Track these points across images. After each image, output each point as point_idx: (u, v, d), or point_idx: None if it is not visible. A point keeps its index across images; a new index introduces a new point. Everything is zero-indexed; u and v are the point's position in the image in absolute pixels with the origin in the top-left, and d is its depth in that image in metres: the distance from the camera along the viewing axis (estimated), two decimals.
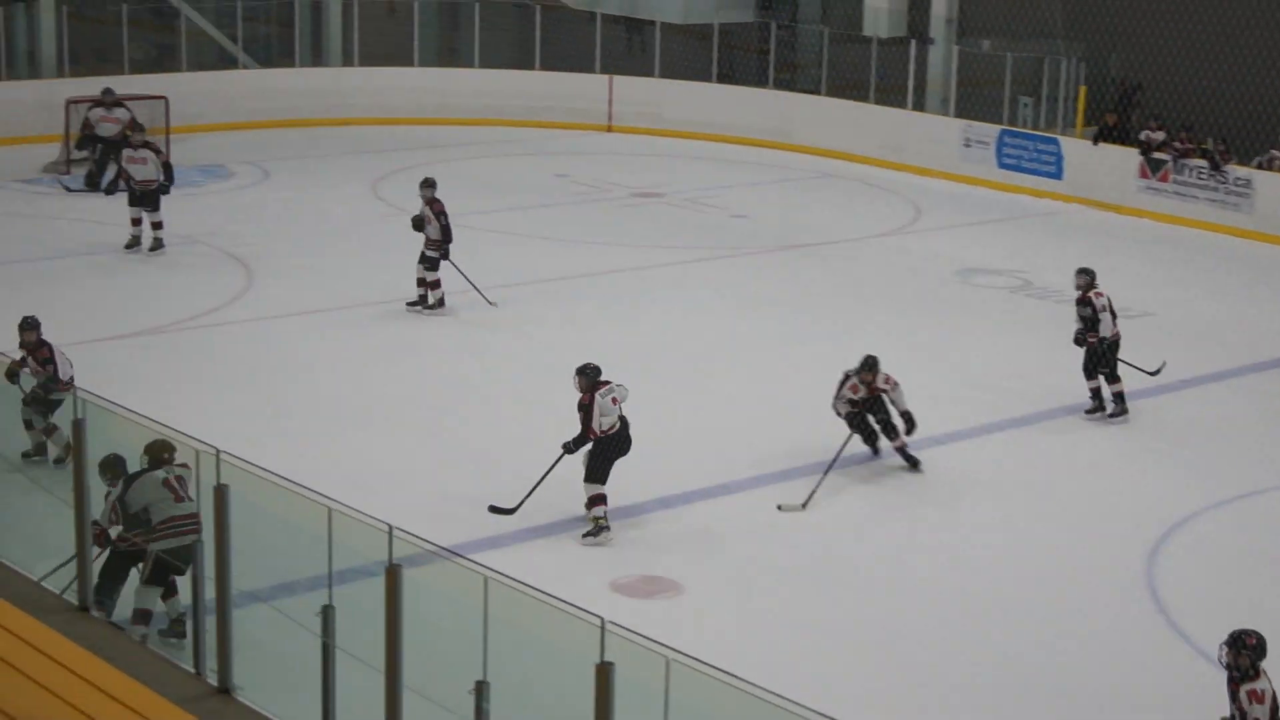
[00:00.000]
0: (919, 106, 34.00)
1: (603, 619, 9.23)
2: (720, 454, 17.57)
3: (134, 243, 24.29)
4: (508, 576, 10.09)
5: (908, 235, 27.88)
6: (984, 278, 25.09)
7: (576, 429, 15.52)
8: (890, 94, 34.13)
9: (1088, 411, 19.08)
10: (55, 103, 30.31)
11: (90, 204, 26.84)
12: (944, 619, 14.18)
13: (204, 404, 18.13)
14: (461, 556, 11.77)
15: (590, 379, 15.63)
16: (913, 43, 34.26)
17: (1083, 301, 19.10)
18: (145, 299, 22.13)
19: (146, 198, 24.16)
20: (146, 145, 24.50)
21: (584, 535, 15.40)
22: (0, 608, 11.48)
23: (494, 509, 15.72)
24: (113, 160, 26.16)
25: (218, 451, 11.09)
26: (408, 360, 19.98)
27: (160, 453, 12.48)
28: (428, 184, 22.11)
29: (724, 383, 19.87)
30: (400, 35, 36.24)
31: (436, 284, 21.87)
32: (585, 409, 15.50)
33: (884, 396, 17.11)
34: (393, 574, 10.36)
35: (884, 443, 17.41)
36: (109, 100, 28.24)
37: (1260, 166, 28.89)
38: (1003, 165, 31.90)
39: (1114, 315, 19.16)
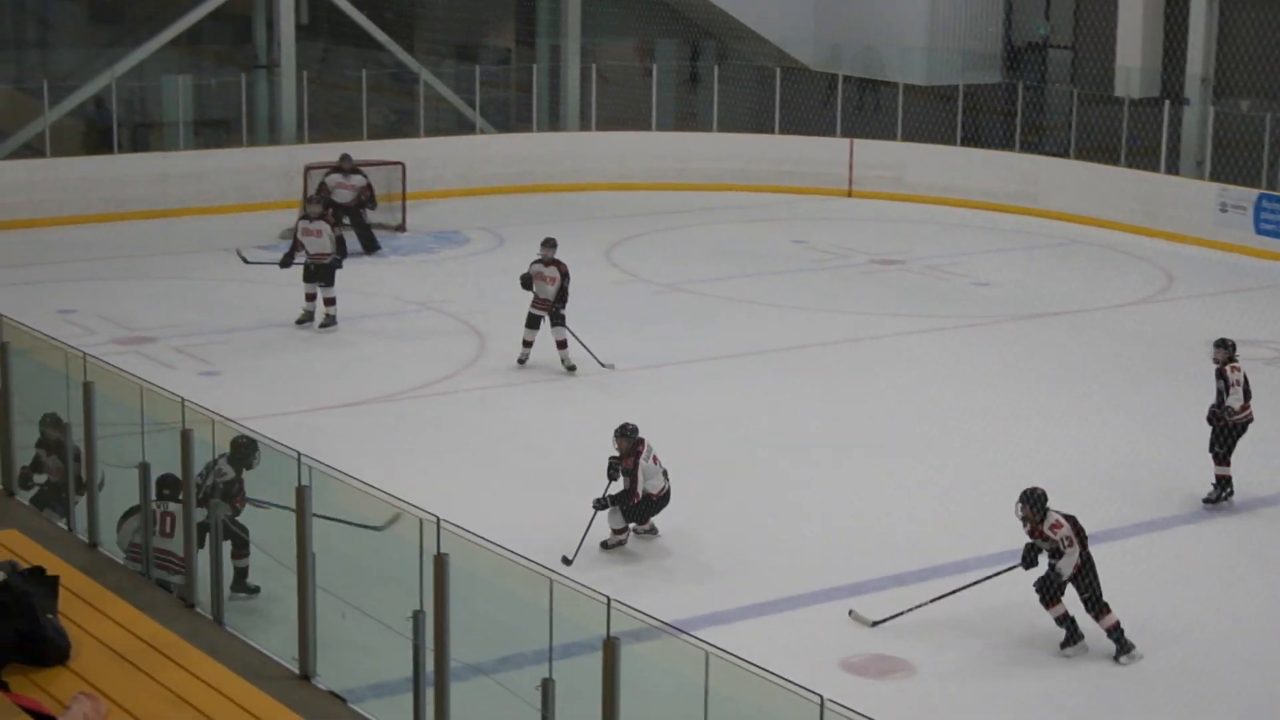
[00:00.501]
0: (1172, 170, 33.40)
1: (822, 698, 9.14)
2: (960, 531, 17.34)
3: (306, 318, 24.30)
4: (729, 653, 10.05)
5: (1158, 304, 27.36)
6: (1239, 349, 24.44)
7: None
8: (1142, 156, 33.58)
9: (1207, 500, 18.35)
10: (295, 169, 31.14)
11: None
12: (1199, 703, 13.84)
13: (429, 471, 18.38)
14: (683, 632, 11.77)
15: (631, 440, 15.74)
16: (1166, 103, 33.70)
17: (1220, 375, 18.51)
18: (377, 367, 22.54)
19: (320, 272, 24.10)
20: (322, 218, 24.47)
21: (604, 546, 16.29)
22: (223, 675, 11.70)
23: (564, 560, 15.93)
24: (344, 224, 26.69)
25: (438, 519, 11.21)
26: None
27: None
28: (549, 244, 22.49)
29: (961, 457, 19.63)
30: (639, 99, 36.59)
31: (530, 344, 22.48)
32: (630, 473, 15.92)
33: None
34: (610, 647, 10.37)
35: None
36: (346, 166, 28.84)
37: None
38: (1261, 230, 31.18)
39: (1248, 394, 18.43)
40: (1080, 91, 35.13)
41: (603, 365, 22.33)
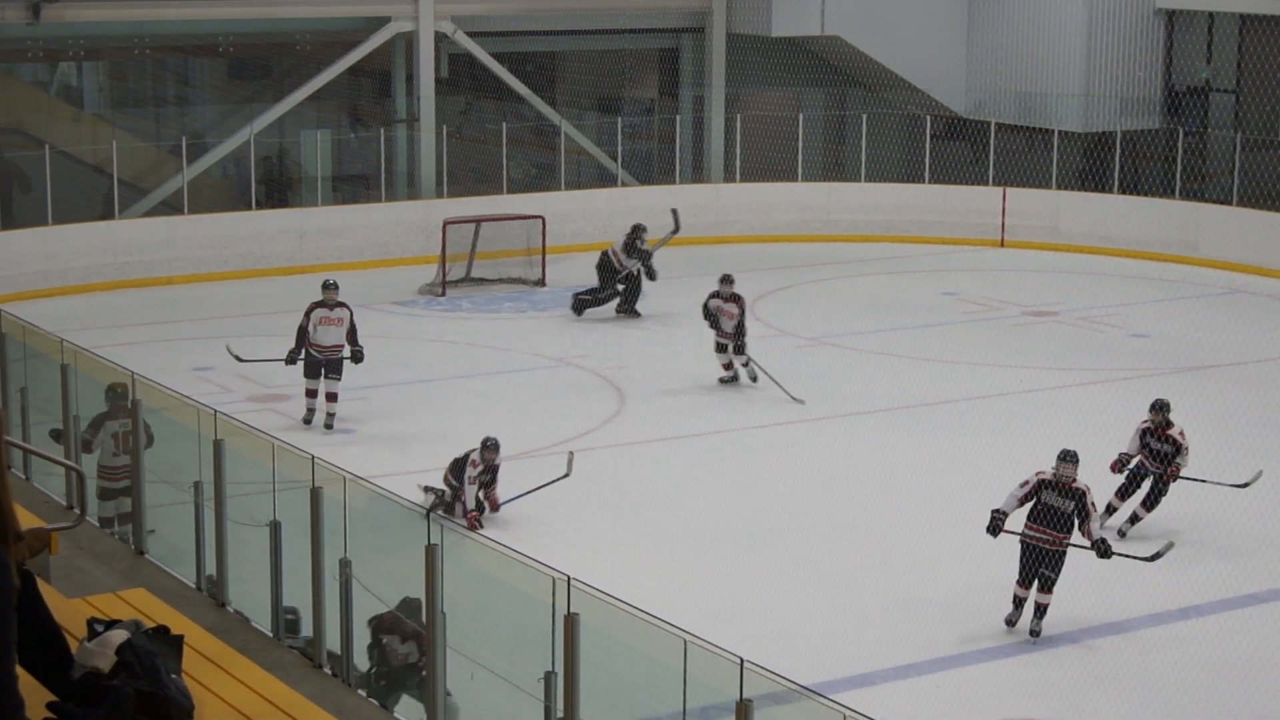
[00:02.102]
0: None
1: None
2: (1113, 588, 17.09)
3: (310, 417, 22.54)
4: (869, 717, 9.95)
5: None
6: None
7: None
8: None
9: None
10: (434, 224, 31.42)
11: (470, 325, 27.60)
12: None
13: (563, 529, 18.40)
14: (821, 695, 11.68)
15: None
16: None
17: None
18: (516, 422, 22.62)
19: (332, 366, 22.35)
20: (342, 304, 22.61)
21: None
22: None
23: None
24: None
25: (569, 579, 11.21)
26: (776, 486, 19.96)
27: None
28: (727, 280, 23.80)
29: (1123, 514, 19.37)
30: (785, 150, 36.57)
31: (729, 365, 23.61)
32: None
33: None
34: (743, 710, 10.29)
35: None
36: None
37: None
38: None
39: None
40: (1244, 136, 34.68)
41: (794, 399, 22.77)
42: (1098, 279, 32.42)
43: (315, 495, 12.73)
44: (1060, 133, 35.76)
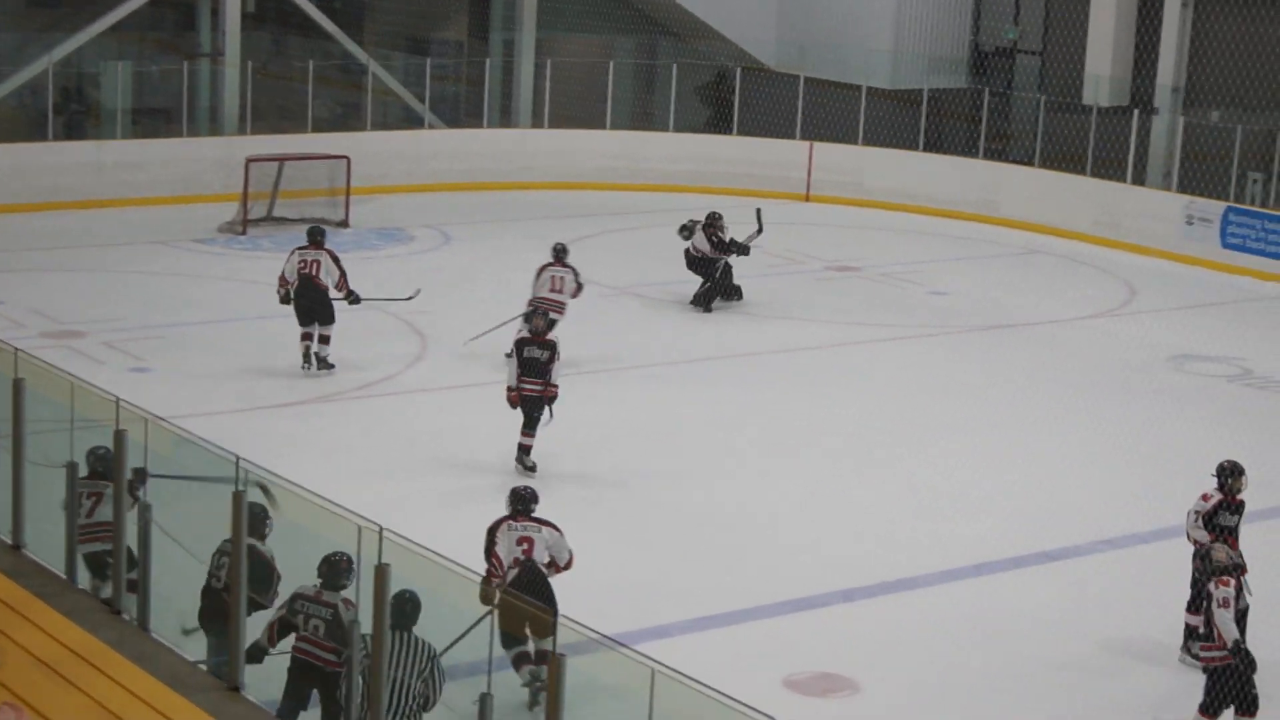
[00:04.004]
0: (1139, 180, 33.69)
1: None
2: (907, 545, 17.54)
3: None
4: (676, 670, 10.16)
5: (1119, 317, 27.64)
6: (1200, 365, 24.80)
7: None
8: (1108, 166, 33.87)
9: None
10: (236, 161, 31.13)
11: (270, 265, 27.42)
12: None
13: (367, 475, 18.46)
14: (626, 646, 11.88)
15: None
16: (1135, 113, 34.00)
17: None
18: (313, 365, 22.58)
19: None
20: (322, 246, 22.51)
21: None
22: (149, 685, 11.75)
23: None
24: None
25: (380, 529, 11.30)
26: (574, 437, 20.12)
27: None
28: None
29: (912, 471, 19.82)
30: (593, 98, 36.69)
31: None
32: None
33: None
34: (556, 662, 10.47)
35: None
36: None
37: None
38: (1227, 245, 31.49)
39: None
40: (1047, 99, 35.41)
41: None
42: (900, 235, 33.01)
43: (119, 437, 12.69)
44: (868, 89, 36.24)
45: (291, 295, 22.23)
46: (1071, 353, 25.24)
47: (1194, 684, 13.98)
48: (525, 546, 13.93)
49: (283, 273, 22.44)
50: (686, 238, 26.79)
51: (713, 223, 26.79)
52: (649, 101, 39.02)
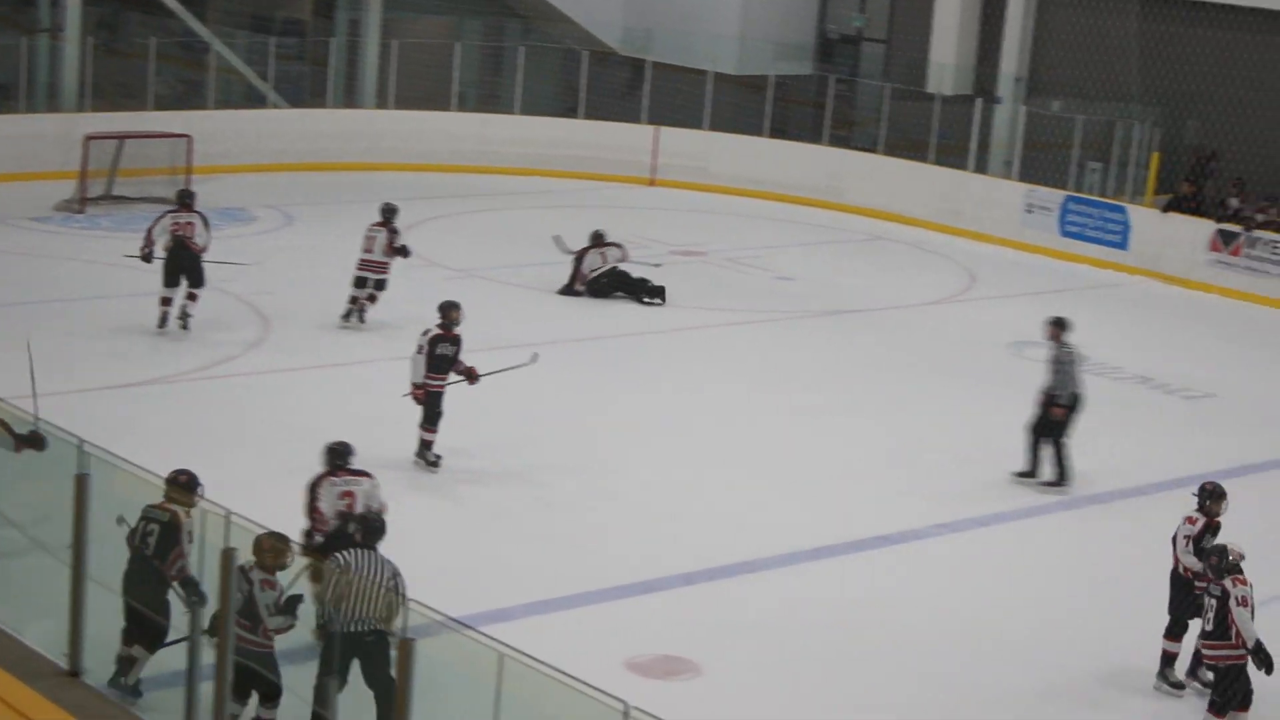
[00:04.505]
0: (981, 168, 34.16)
1: (626, 704, 9.36)
2: (748, 529, 17.70)
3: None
4: (523, 653, 10.21)
5: (960, 304, 28.04)
6: (1038, 351, 25.07)
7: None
8: (952, 154, 34.30)
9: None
10: (74, 138, 30.73)
11: (109, 245, 27.11)
12: (973, 702, 14.26)
13: (212, 459, 18.32)
14: (473, 629, 11.93)
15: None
16: (978, 101, 34.45)
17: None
18: (155, 347, 22.39)
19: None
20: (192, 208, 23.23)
21: None
22: None
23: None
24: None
25: (228, 513, 11.27)
26: (417, 417, 20.09)
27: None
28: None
29: (755, 455, 20.00)
30: (440, 79, 36.59)
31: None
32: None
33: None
34: (405, 648, 10.48)
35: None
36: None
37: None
38: (1065, 233, 32.03)
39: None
40: (892, 87, 35.78)
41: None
42: (745, 221, 33.24)
43: None
44: (714, 74, 36.42)
45: (155, 256, 22.36)
46: (913, 338, 25.57)
47: (1030, 660, 14.26)
48: (348, 501, 14.18)
49: (150, 232, 22.46)
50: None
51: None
52: (495, 84, 38.96)
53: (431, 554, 16.41)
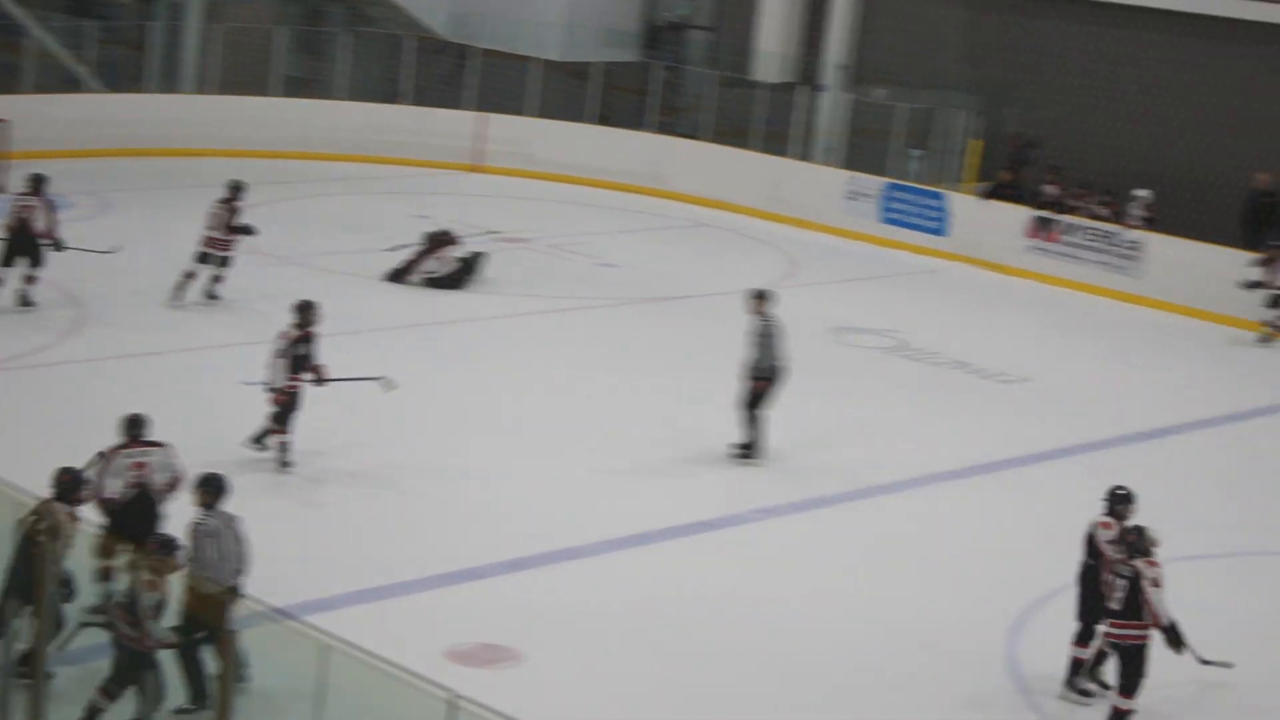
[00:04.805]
0: (804, 156, 34.46)
1: (453, 693, 9.36)
2: (570, 516, 17.74)
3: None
4: (349, 644, 10.19)
5: (782, 291, 28.13)
6: (858, 337, 25.51)
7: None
8: (776, 142, 34.56)
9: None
10: None
11: None
12: (794, 687, 14.40)
13: (22, 449, 18.08)
14: (296, 619, 11.89)
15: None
16: (803, 89, 34.72)
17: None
18: None
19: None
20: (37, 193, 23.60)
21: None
22: None
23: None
24: None
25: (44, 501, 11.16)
26: (246, 403, 19.95)
27: None
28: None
29: (577, 442, 20.04)
30: (261, 64, 36.25)
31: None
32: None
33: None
34: (228, 640, 10.43)
35: None
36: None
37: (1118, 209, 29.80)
38: (886, 220, 32.40)
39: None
40: (718, 74, 35.98)
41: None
42: (570, 207, 33.29)
43: None
44: (540, 61, 36.42)
45: None
46: (736, 325, 25.63)
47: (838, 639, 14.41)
48: (140, 472, 14.21)
49: None
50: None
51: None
52: (318, 69, 38.65)
53: (252, 543, 16.31)
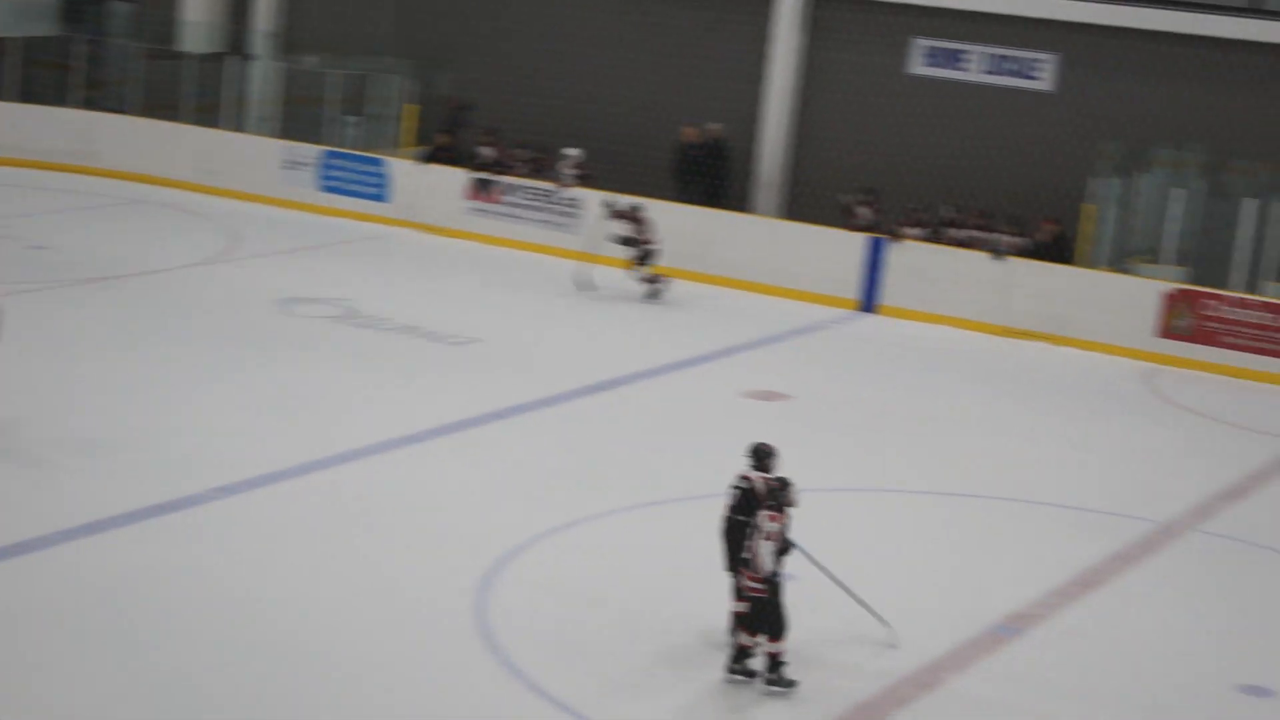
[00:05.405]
0: (238, 127, 33.86)
1: None
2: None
3: None
4: None
5: (223, 264, 27.71)
6: (306, 306, 25.19)
7: None
8: (208, 114, 33.89)
9: None
10: None
11: None
12: (251, 669, 14.05)
13: None
14: None
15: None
16: (233, 59, 34.11)
17: None
18: None
19: None
20: None
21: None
22: None
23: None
24: None
25: None
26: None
27: None
28: None
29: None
30: None
31: None
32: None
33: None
34: None
35: None
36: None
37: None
38: (325, 188, 32.14)
39: None
40: (144, 46, 35.05)
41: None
42: None
43: None
44: None
45: None
46: (178, 301, 25.07)
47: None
48: None
49: None
50: None
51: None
52: None
53: None
